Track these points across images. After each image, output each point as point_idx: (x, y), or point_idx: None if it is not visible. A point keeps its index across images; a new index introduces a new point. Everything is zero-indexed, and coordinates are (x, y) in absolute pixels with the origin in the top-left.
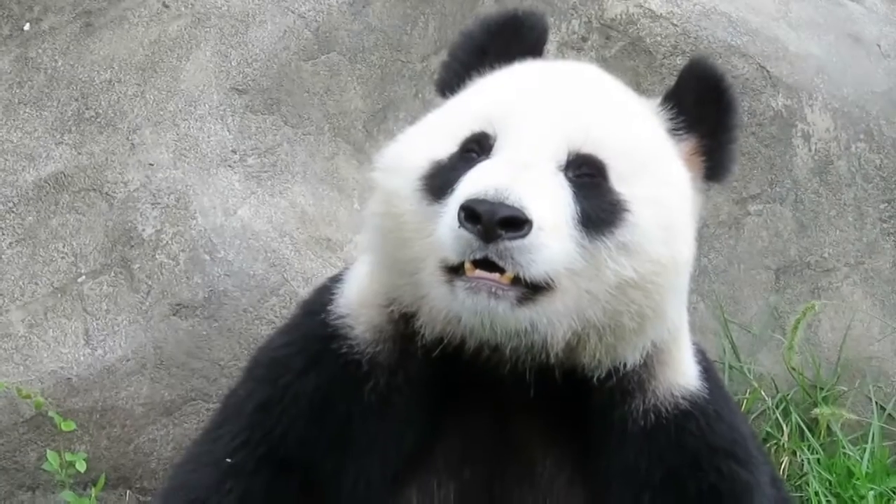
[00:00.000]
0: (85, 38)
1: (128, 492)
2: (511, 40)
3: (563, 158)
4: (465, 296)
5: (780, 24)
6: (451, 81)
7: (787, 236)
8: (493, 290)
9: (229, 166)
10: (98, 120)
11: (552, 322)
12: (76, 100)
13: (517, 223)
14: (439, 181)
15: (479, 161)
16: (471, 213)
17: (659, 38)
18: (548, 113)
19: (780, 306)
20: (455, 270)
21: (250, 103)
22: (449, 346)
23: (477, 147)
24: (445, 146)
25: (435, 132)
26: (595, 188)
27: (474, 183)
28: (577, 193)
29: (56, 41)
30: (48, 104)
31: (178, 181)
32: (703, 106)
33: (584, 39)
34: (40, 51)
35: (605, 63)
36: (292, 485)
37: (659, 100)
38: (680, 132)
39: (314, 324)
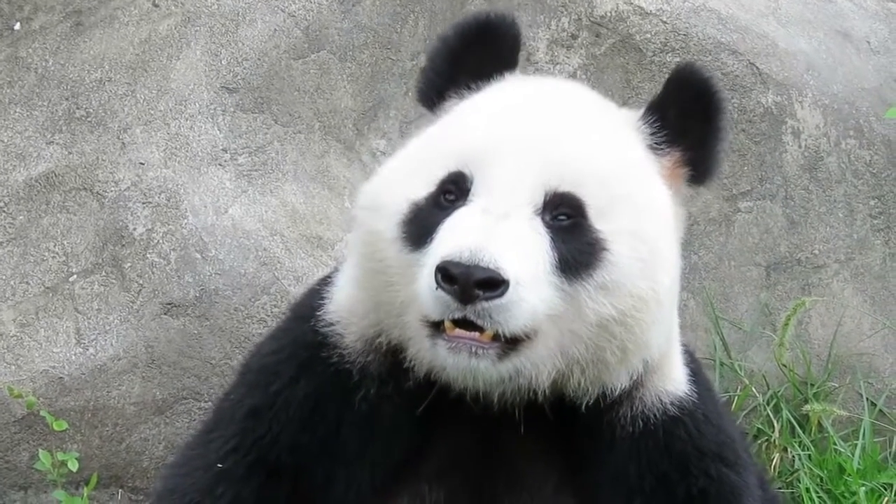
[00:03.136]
0: (75, 38)
1: (120, 491)
2: (486, 46)
3: (539, 200)
4: (446, 354)
5: (769, 21)
6: (431, 92)
7: (777, 233)
8: (474, 349)
9: (220, 165)
10: (88, 119)
11: (536, 366)
12: (67, 99)
13: (494, 284)
14: (418, 228)
15: (457, 206)
16: (447, 275)
17: (649, 36)
18: (523, 152)
19: (770, 303)
20: (436, 326)
21: (241, 102)
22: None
23: (454, 189)
24: (423, 186)
25: (413, 170)
26: (573, 229)
27: (449, 242)
28: (555, 238)
29: (46, 40)
30: (38, 104)
31: (168, 180)
32: (687, 118)
33: (574, 37)
34: (31, 50)
35: (595, 60)
36: (283, 490)
37: (642, 111)
38: (662, 146)
39: (304, 330)
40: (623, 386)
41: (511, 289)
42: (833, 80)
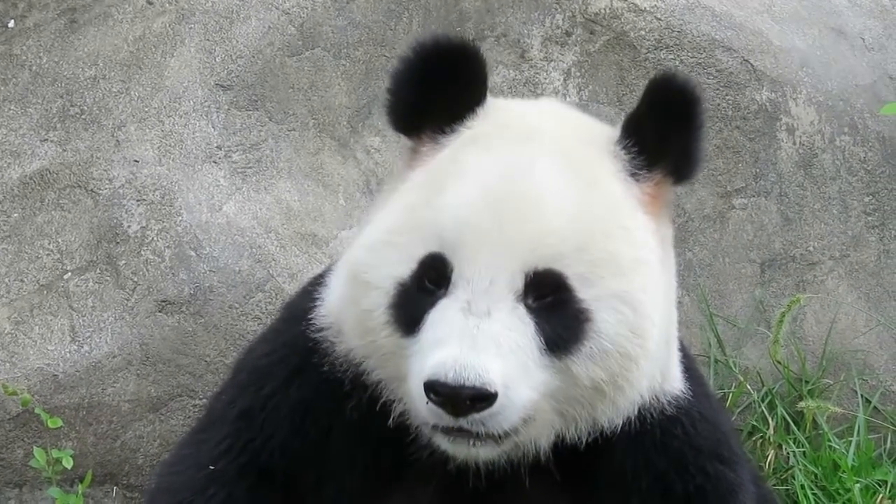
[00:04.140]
0: (69, 35)
1: (115, 488)
2: (454, 76)
3: (520, 285)
4: (446, 443)
5: (763, 18)
6: (401, 118)
7: (771, 230)
8: (472, 442)
9: (214, 162)
10: (83, 117)
11: (536, 437)
12: (61, 97)
13: (482, 399)
14: (406, 314)
15: (439, 295)
16: (436, 392)
17: (643, 33)
18: (499, 234)
19: (765, 300)
20: None
21: (235, 99)
22: None
23: (435, 275)
24: (406, 263)
25: (395, 244)
26: (556, 305)
27: (434, 355)
28: (540, 320)
29: (41, 38)
30: (33, 101)
31: (163, 177)
32: (666, 134)
33: (568, 34)
34: (25, 48)
35: (590, 58)
36: (275, 492)
37: (619, 132)
38: (643, 171)
39: (296, 333)
40: (622, 420)
41: (500, 397)
42: (827, 77)
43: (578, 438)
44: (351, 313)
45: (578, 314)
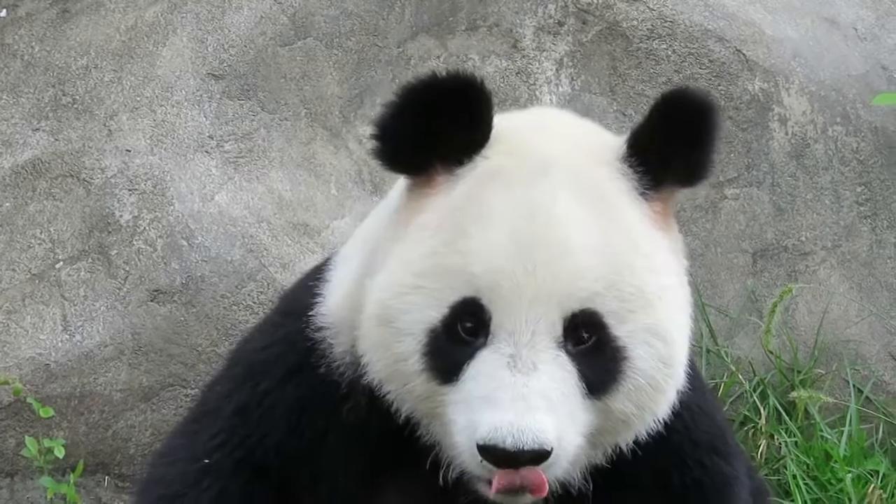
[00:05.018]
0: (61, 25)
1: (106, 478)
2: (458, 111)
3: (559, 330)
4: (488, 492)
5: (756, 8)
6: (405, 158)
7: (764, 220)
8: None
9: (206, 152)
10: (75, 106)
11: (573, 470)
12: (53, 86)
13: (541, 458)
14: (443, 364)
15: (478, 345)
16: (492, 455)
17: (635, 23)
18: (535, 281)
19: (757, 290)
20: None
21: (227, 89)
22: None
23: (471, 321)
24: (436, 309)
25: (424, 288)
26: (595, 348)
27: (486, 417)
28: (581, 365)
29: (33, 27)
30: (25, 90)
31: (155, 167)
32: (674, 159)
33: (561, 24)
34: (17, 37)
35: (582, 47)
36: (269, 488)
37: (625, 146)
38: (651, 190)
39: (295, 330)
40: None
41: (554, 452)
42: (820, 67)
43: (599, 461)
44: (382, 358)
45: (615, 353)
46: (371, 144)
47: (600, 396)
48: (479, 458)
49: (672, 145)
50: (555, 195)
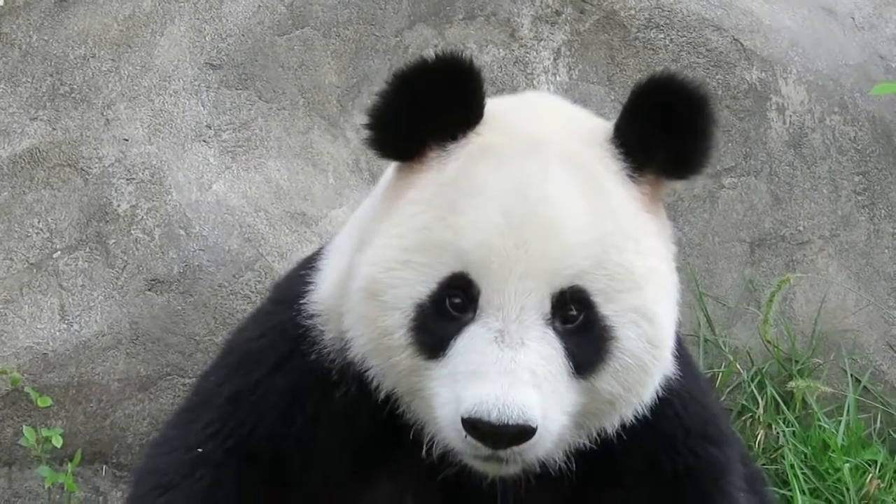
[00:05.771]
0: (59, 14)
1: (104, 467)
2: (451, 92)
3: (547, 307)
4: (477, 464)
5: None
6: (390, 143)
7: (761, 209)
8: (504, 464)
9: (204, 141)
10: (73, 95)
11: (556, 450)
12: (51, 75)
13: (526, 434)
14: (430, 339)
15: (465, 320)
16: (477, 429)
17: (633, 12)
18: (525, 257)
19: (755, 279)
20: None
21: (224, 78)
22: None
23: (460, 297)
24: (424, 283)
25: (412, 262)
26: (582, 326)
27: (471, 390)
28: (568, 343)
29: (30, 17)
30: (23, 80)
31: (152, 156)
32: (654, 141)
33: (558, 13)
34: (14, 27)
35: (580, 37)
36: (261, 476)
37: (612, 130)
38: (639, 172)
39: (286, 318)
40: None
41: (539, 428)
42: (817, 57)
43: (584, 444)
44: (367, 331)
45: (603, 332)
46: (365, 134)
47: (587, 376)
48: (464, 433)
49: (652, 130)
50: (545, 173)
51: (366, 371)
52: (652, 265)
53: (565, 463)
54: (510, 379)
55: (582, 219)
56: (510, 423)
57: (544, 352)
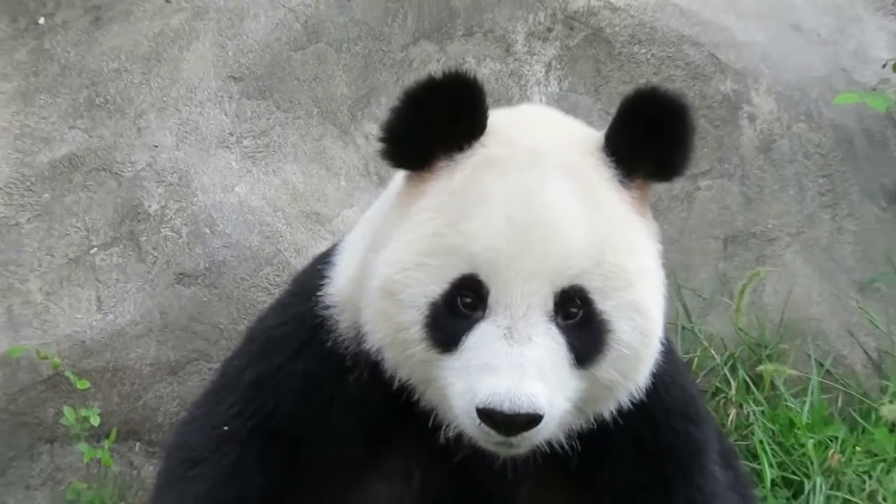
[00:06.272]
0: (94, 31)
1: (137, 443)
2: (457, 108)
3: (550, 305)
4: (490, 447)
5: (728, 15)
6: (402, 155)
7: (734, 209)
8: (514, 447)
9: (227, 147)
10: (107, 106)
11: (560, 431)
12: (87, 87)
13: (535, 422)
14: (443, 334)
15: (476, 317)
16: (490, 418)
17: (618, 29)
18: (530, 260)
19: (728, 272)
20: None
21: (245, 90)
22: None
23: (470, 296)
24: (437, 283)
25: (426, 265)
26: (582, 322)
27: (487, 384)
28: (570, 337)
29: (68, 34)
30: (62, 92)
31: (180, 161)
32: (642, 149)
33: (550, 30)
34: (54, 43)
35: (569, 51)
36: (281, 453)
37: (603, 139)
38: (628, 178)
39: (304, 309)
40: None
41: (545, 416)
42: (786, 70)
43: (583, 425)
44: (384, 327)
45: (600, 326)
46: (379, 147)
47: (587, 366)
48: (478, 420)
49: (640, 139)
50: (545, 182)
51: (377, 358)
52: (643, 264)
53: (566, 443)
54: (520, 372)
55: (580, 224)
56: (521, 412)
57: (549, 346)
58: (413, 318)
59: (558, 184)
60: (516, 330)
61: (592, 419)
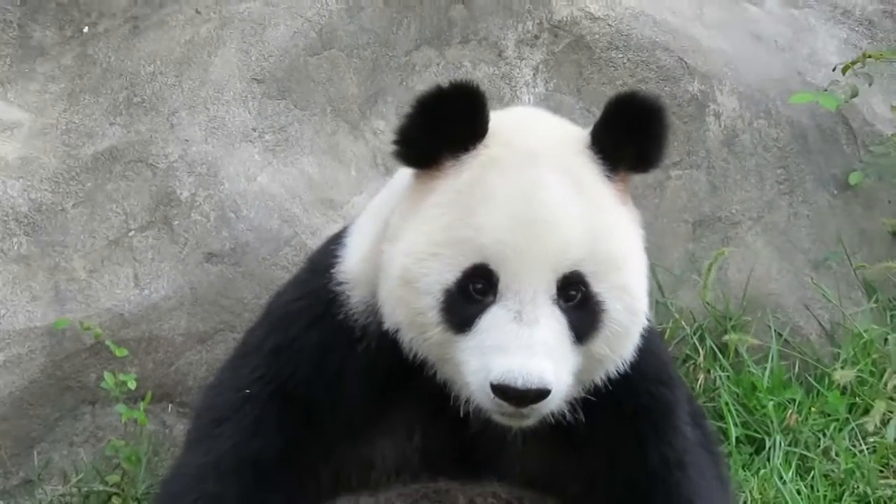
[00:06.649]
0: (133, 39)
1: (170, 405)
2: (462, 113)
3: (554, 290)
4: (502, 419)
5: (695, 25)
6: (420, 155)
7: (701, 196)
8: (523, 418)
9: (250, 142)
10: (144, 105)
11: (561, 403)
12: (126, 88)
13: (544, 395)
14: (457, 318)
15: (487, 302)
16: (504, 393)
17: (597, 36)
18: (535, 250)
19: (696, 252)
20: None
21: (267, 91)
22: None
23: (482, 283)
24: (450, 271)
25: (440, 255)
26: (581, 302)
27: (500, 363)
28: (571, 317)
29: (109, 41)
30: (103, 92)
31: (208, 154)
32: (626, 146)
33: (537, 37)
34: (97, 49)
35: (554, 56)
36: (297, 415)
37: (589, 136)
38: (614, 171)
39: (318, 285)
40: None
41: (553, 390)
42: (747, 73)
43: (578, 394)
44: (403, 311)
45: (595, 307)
46: (392, 149)
47: (584, 342)
48: (493, 395)
49: (622, 137)
50: (543, 180)
51: (399, 339)
52: (630, 249)
53: (570, 412)
54: (530, 352)
55: (576, 217)
56: (532, 387)
57: (554, 327)
58: (429, 304)
59: (554, 181)
60: (525, 313)
61: (586, 388)
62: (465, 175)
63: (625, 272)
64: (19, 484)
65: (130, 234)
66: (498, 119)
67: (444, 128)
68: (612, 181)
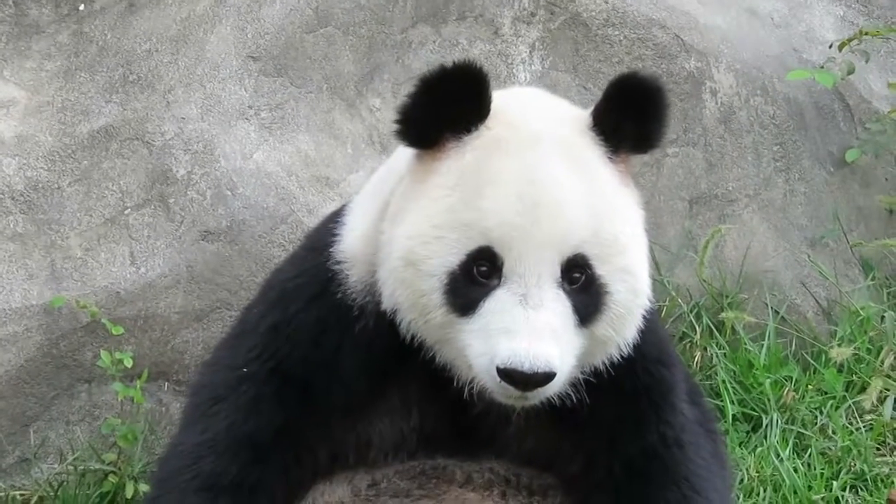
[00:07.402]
0: (129, 16)
1: (166, 383)
2: (465, 94)
3: (557, 272)
4: (505, 399)
5: (691, 1)
6: (423, 135)
7: (698, 173)
8: (527, 402)
9: (246, 119)
10: (140, 82)
11: (565, 383)
12: (122, 66)
13: (550, 379)
14: (461, 300)
15: (492, 284)
16: (510, 376)
17: (594, 13)
18: (539, 233)
19: (693, 230)
20: None
21: (263, 68)
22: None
23: (488, 266)
24: (454, 254)
25: (444, 237)
26: (584, 286)
27: (506, 346)
28: (575, 300)
29: (105, 19)
30: (99, 70)
31: (204, 132)
32: (628, 127)
33: (533, 14)
34: (93, 27)
35: (550, 34)
36: (294, 393)
37: (590, 117)
38: (616, 153)
39: (316, 263)
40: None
41: (558, 373)
42: (743, 49)
43: (580, 376)
44: (406, 293)
45: (599, 289)
46: (394, 128)
47: (588, 325)
48: (498, 378)
49: (624, 118)
50: (547, 162)
51: (383, 311)
52: (632, 231)
53: (574, 393)
54: (536, 335)
55: (579, 199)
56: (539, 371)
57: (558, 310)
58: (433, 286)
59: (558, 163)
60: (530, 296)
61: (588, 370)
62: (468, 156)
63: (628, 254)
64: (15, 462)
65: (126, 212)
66: (499, 99)
67: (446, 108)
68: (613, 163)
